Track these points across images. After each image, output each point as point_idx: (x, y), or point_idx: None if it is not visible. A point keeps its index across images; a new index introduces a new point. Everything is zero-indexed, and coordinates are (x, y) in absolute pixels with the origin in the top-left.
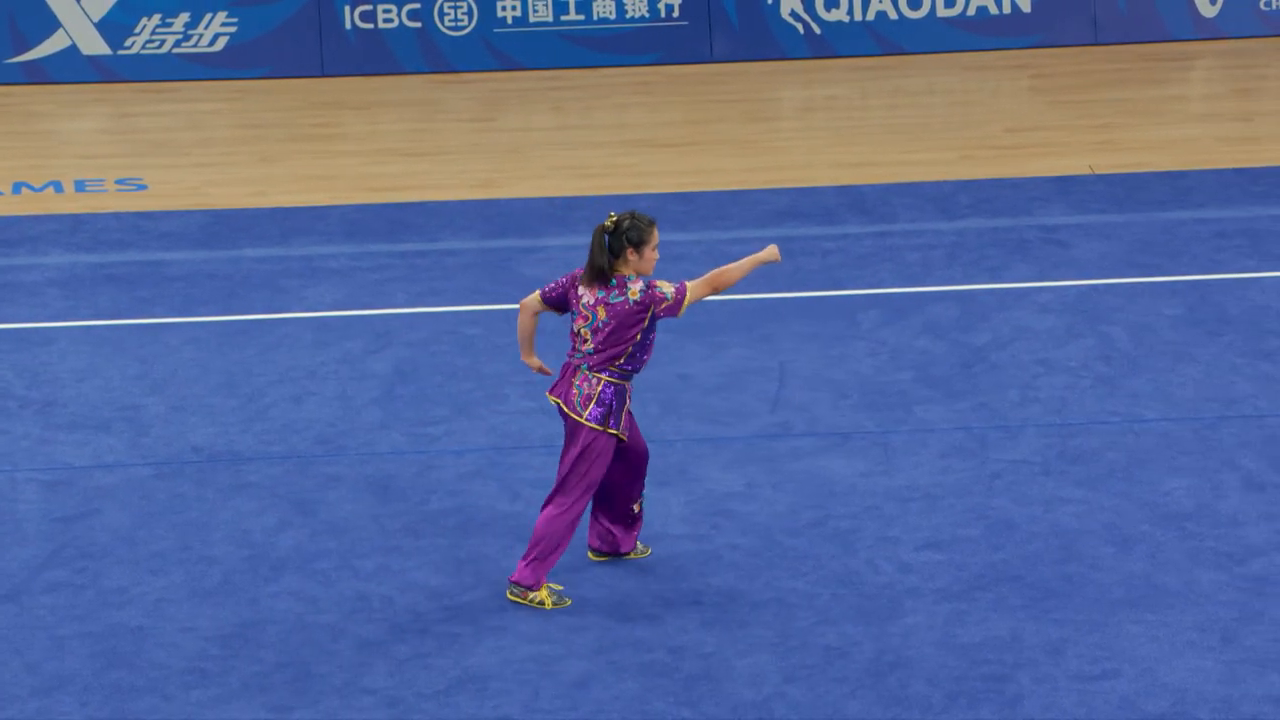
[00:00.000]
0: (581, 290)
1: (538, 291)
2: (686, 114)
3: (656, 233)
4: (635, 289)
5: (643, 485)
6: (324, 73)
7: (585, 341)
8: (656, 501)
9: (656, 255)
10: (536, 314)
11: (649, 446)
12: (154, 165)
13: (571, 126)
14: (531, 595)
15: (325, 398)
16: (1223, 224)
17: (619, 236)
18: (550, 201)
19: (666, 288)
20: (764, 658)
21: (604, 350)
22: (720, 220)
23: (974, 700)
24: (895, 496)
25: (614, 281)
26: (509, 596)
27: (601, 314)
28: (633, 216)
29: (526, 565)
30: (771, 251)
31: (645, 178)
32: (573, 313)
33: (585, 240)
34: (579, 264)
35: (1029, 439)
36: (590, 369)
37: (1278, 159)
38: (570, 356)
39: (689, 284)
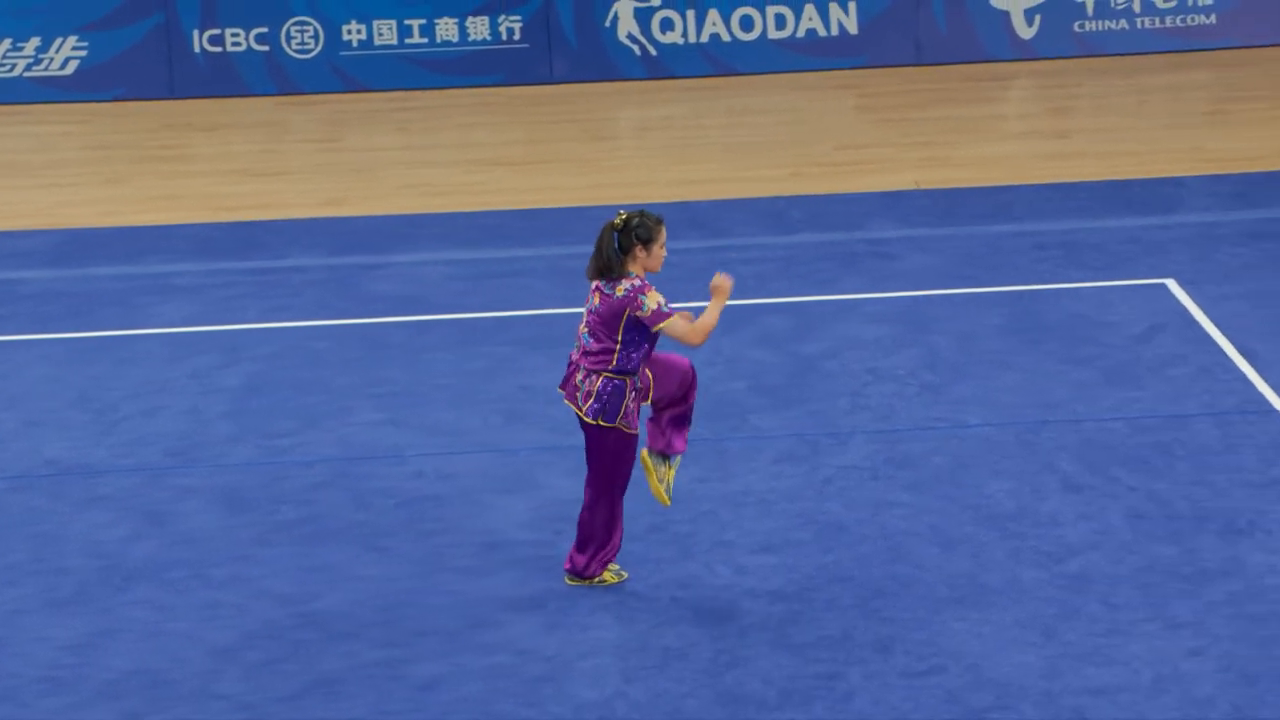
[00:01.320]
0: (592, 287)
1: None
2: (528, 133)
3: (664, 230)
4: (623, 287)
5: (694, 395)
6: (173, 95)
7: (582, 337)
8: (500, 509)
9: (664, 252)
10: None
11: (507, 452)
12: (4, 186)
13: (416, 146)
14: (595, 580)
15: (177, 411)
16: (1041, 237)
17: (628, 234)
18: (396, 219)
19: (650, 302)
20: (605, 659)
21: (598, 344)
22: (562, 236)
23: (807, 698)
24: (731, 502)
25: (616, 276)
26: (568, 582)
27: (596, 301)
28: (641, 215)
29: (587, 559)
30: (725, 285)
31: (489, 195)
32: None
33: (430, 257)
34: (427, 279)
35: (858, 445)
36: (587, 369)
37: (1091, 174)
38: (572, 354)
39: (675, 318)
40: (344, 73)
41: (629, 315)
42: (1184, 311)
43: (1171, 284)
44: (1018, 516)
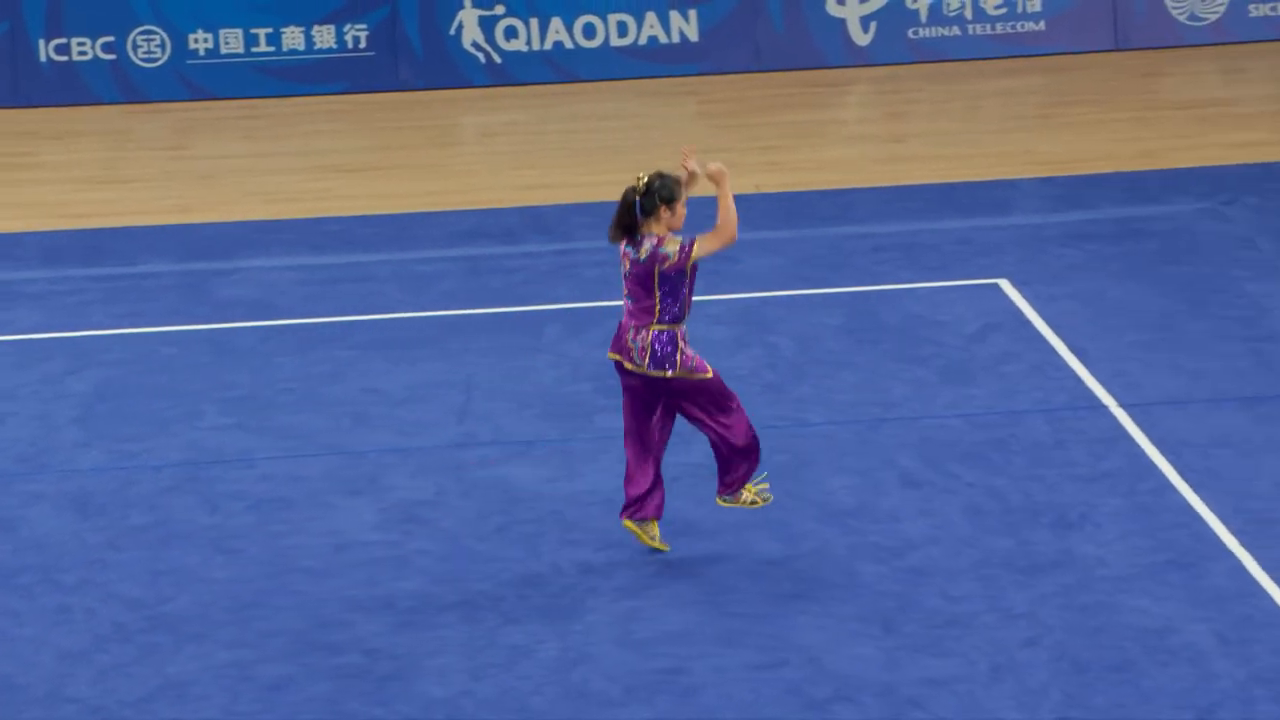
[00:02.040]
0: (621, 251)
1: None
2: (375, 140)
3: (684, 187)
4: (645, 248)
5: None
6: (19, 104)
7: (626, 299)
8: (348, 510)
9: (685, 210)
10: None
11: (354, 455)
12: None
13: (264, 153)
14: (744, 498)
15: (25, 417)
16: (879, 239)
17: (651, 196)
18: (244, 226)
19: (671, 247)
20: (453, 658)
21: (639, 303)
22: (408, 241)
23: (652, 693)
24: (577, 501)
25: (639, 237)
26: (720, 503)
27: (626, 267)
28: (660, 176)
29: (744, 467)
30: (720, 169)
31: (336, 201)
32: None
33: (278, 263)
34: (275, 284)
35: (702, 444)
36: (635, 326)
37: (927, 177)
38: (623, 319)
39: (698, 244)
40: (191, 81)
41: (659, 271)
42: (1016, 311)
43: (1004, 284)
44: (858, 512)
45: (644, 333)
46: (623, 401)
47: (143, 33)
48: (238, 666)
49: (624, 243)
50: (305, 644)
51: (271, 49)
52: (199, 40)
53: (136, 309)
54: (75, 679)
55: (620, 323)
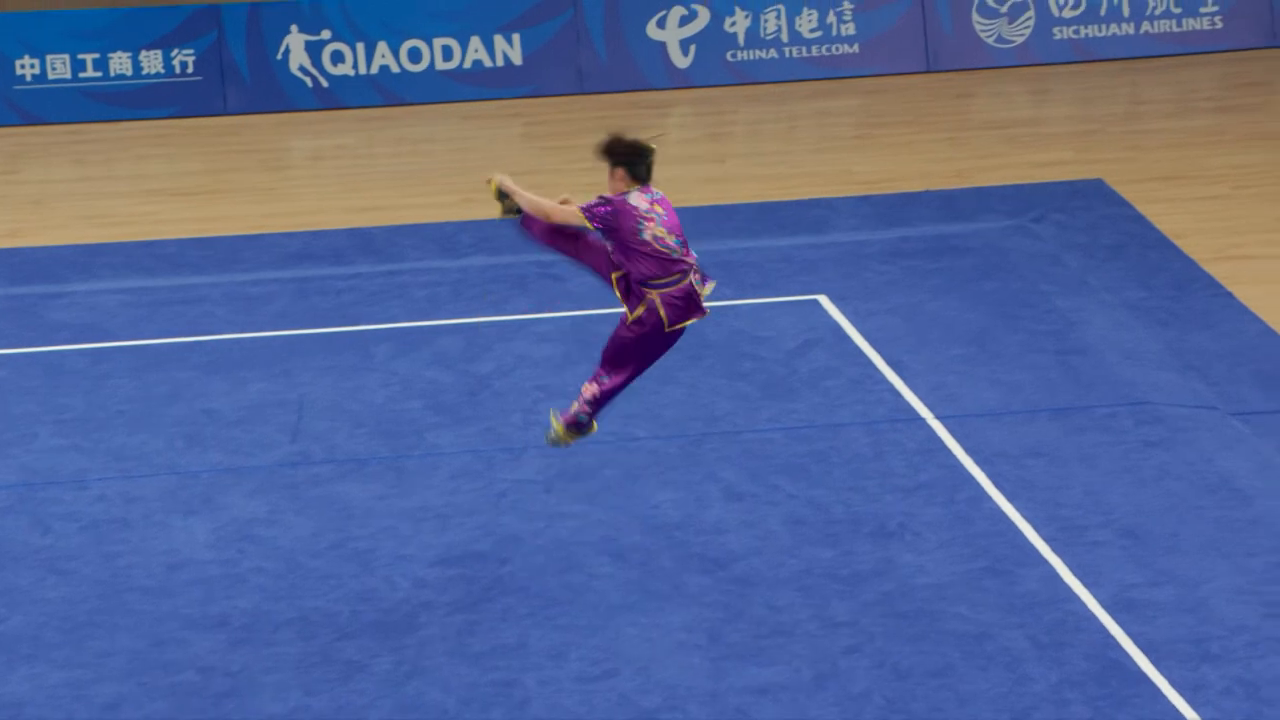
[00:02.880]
0: (635, 202)
1: (581, 211)
2: (204, 164)
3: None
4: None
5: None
6: None
7: (669, 247)
8: (183, 530)
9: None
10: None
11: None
12: None
13: (93, 178)
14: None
15: None
16: (701, 256)
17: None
18: (73, 249)
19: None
20: (288, 674)
21: (686, 246)
22: (237, 263)
23: (485, 705)
24: (410, 517)
25: (648, 188)
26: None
27: (661, 214)
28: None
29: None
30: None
31: (166, 225)
32: (639, 226)
33: (108, 286)
34: (105, 308)
35: (531, 459)
36: (694, 268)
37: (747, 196)
38: (672, 275)
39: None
40: (18, 106)
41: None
42: (835, 326)
43: (823, 300)
44: (684, 525)
45: (702, 280)
46: (643, 353)
47: None
48: (73, 686)
49: (644, 193)
50: (141, 663)
51: (99, 74)
52: (25, 66)
53: None
54: None
55: (670, 287)
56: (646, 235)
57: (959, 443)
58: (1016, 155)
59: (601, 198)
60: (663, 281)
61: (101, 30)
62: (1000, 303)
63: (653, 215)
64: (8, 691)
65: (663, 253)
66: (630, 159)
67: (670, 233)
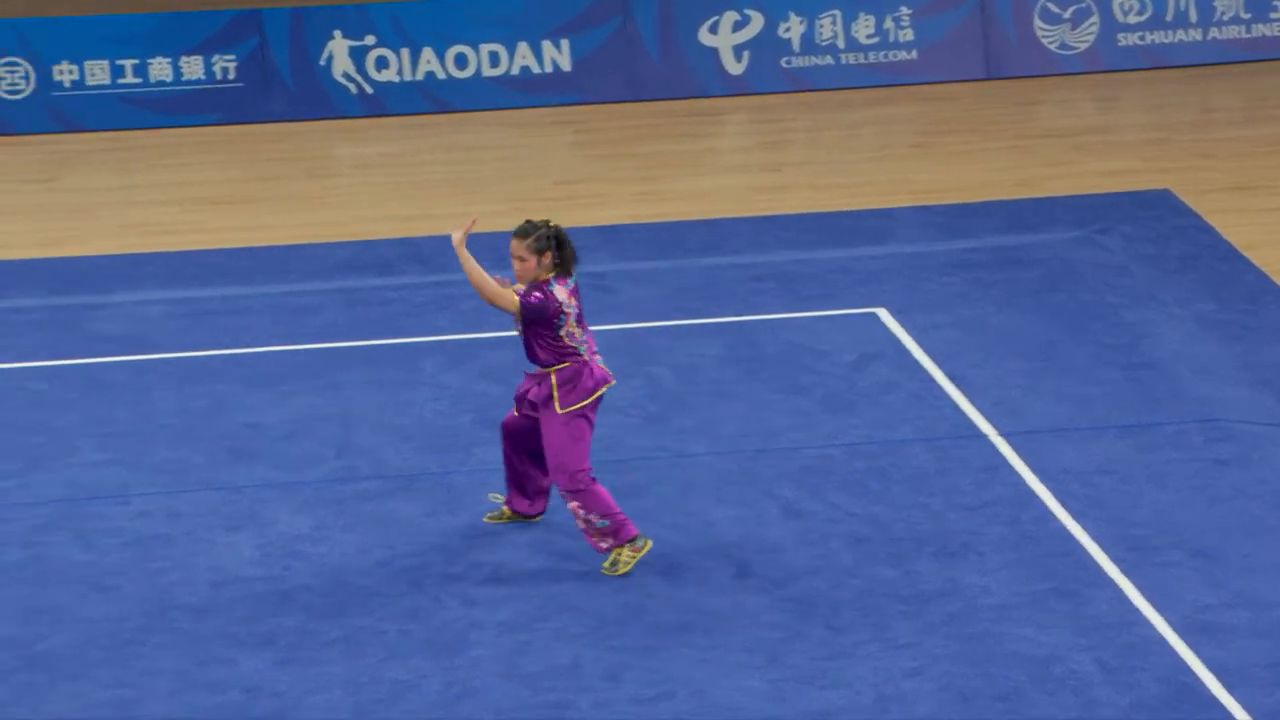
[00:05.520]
0: (559, 295)
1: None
2: (248, 172)
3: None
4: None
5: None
6: None
7: (584, 332)
8: (227, 546)
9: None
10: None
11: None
12: None
13: (135, 186)
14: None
15: None
16: (757, 268)
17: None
18: (116, 259)
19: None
20: (335, 694)
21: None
22: (284, 274)
23: None
24: (459, 534)
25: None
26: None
27: (576, 304)
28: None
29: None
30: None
31: (210, 234)
32: (559, 321)
33: (151, 296)
34: (149, 318)
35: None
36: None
37: (803, 206)
38: (580, 356)
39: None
40: (58, 113)
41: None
42: (895, 340)
43: (882, 313)
44: (741, 543)
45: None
46: (588, 436)
47: (6, 65)
48: (116, 706)
49: (562, 283)
50: (185, 682)
51: (139, 81)
52: (64, 72)
53: (6, 343)
54: None
55: (590, 362)
56: (562, 333)
57: (1024, 460)
58: (1082, 164)
59: (535, 287)
60: (560, 366)
61: (140, 36)
62: (1066, 315)
63: (569, 309)
64: (51, 711)
65: (570, 347)
66: (560, 248)
67: (579, 325)
